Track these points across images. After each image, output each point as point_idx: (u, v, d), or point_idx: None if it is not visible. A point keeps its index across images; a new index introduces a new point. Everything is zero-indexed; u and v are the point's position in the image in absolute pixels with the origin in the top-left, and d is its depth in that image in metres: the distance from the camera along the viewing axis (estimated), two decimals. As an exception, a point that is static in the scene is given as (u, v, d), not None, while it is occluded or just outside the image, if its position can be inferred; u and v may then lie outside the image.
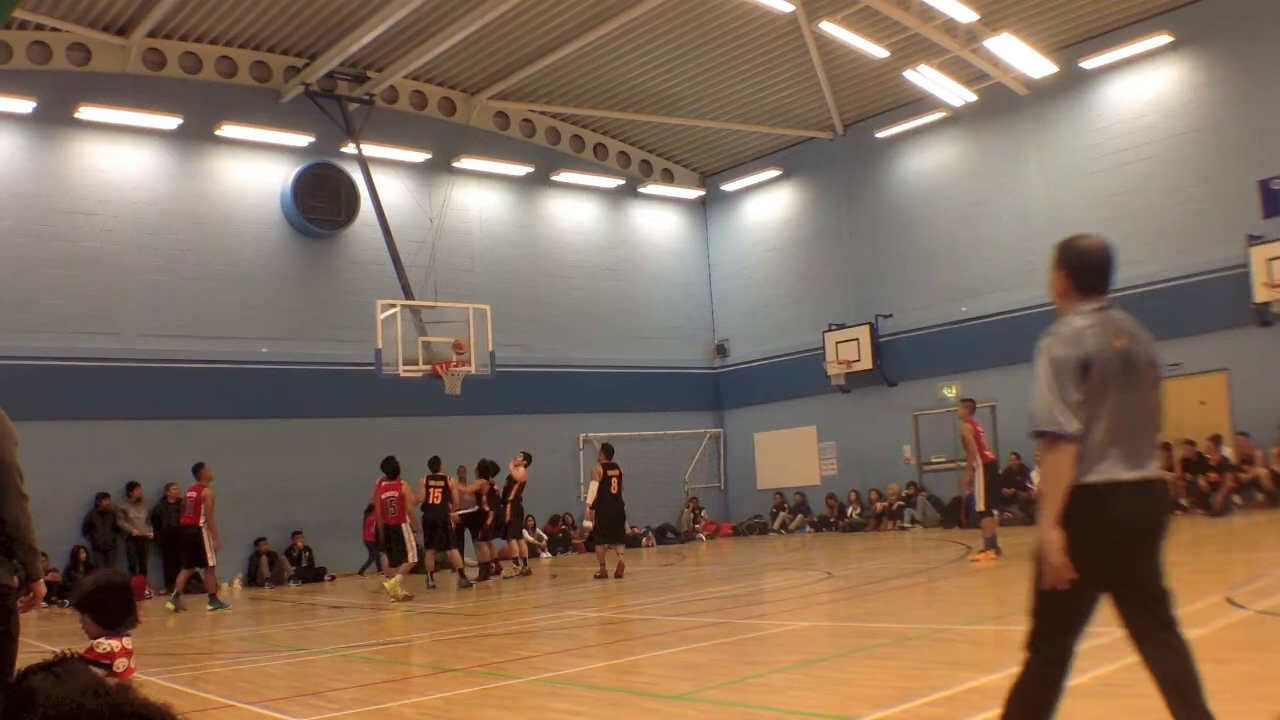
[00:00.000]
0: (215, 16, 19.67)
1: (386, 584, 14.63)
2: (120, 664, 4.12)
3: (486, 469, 17.21)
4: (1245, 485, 18.23)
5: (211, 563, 14.96)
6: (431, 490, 16.16)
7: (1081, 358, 3.68)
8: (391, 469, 15.69)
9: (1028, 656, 3.83)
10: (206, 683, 8.03)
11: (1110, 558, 3.67)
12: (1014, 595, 7.66)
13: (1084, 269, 3.94)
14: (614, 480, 16.27)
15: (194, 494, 15.12)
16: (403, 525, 15.26)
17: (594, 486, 16.30)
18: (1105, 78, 20.91)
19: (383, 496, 15.41)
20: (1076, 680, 5.55)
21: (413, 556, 15.32)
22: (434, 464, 16.56)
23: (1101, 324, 3.80)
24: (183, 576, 15.32)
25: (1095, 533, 3.65)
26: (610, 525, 16.30)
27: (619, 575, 15.76)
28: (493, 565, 17.03)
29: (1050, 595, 3.71)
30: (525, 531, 18.90)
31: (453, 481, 16.95)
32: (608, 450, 16.94)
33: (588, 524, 17.60)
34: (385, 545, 15.88)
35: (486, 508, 17.07)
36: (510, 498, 17.22)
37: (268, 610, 15.64)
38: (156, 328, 19.64)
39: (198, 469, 15.29)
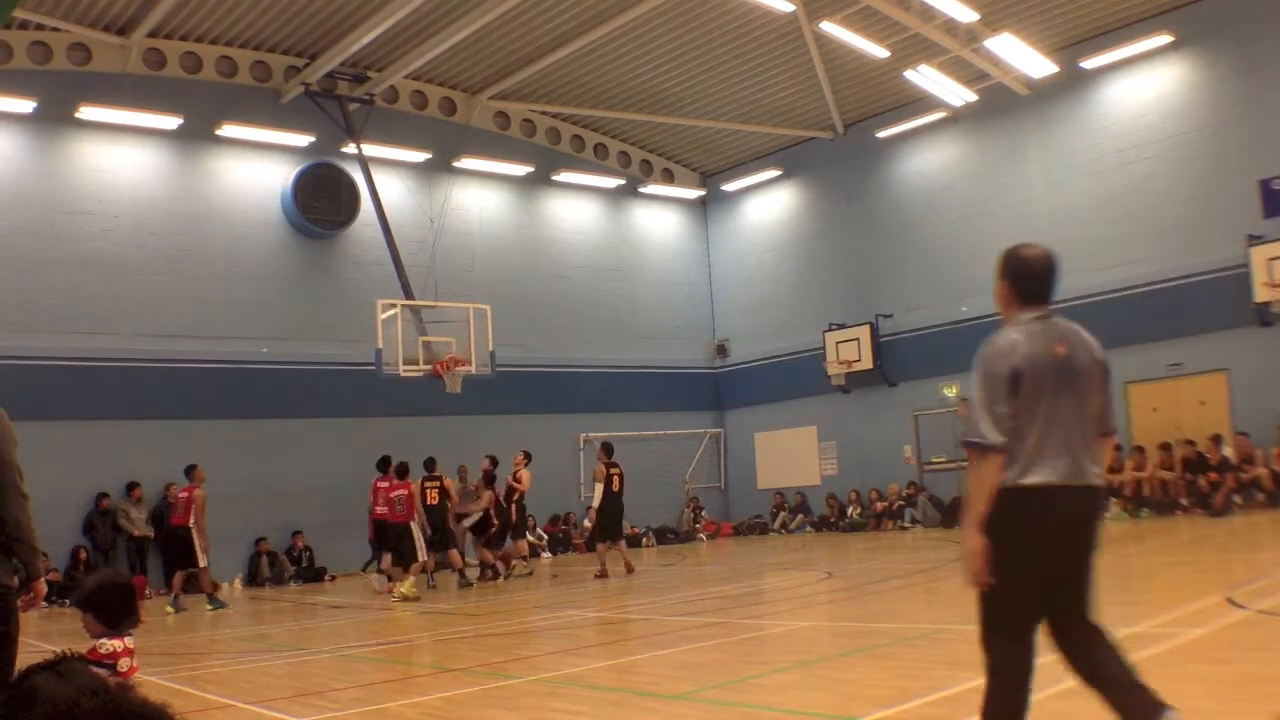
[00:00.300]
0: (215, 16, 19.67)
1: (402, 588, 14.56)
2: (123, 664, 4.13)
3: (491, 478, 17.15)
4: (1246, 485, 18.22)
5: (203, 563, 14.92)
6: (428, 491, 16.15)
7: (1012, 369, 3.78)
8: (401, 469, 15.75)
9: (989, 663, 3.88)
10: (206, 683, 8.03)
11: (1042, 558, 3.78)
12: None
13: (1025, 278, 4.02)
14: (615, 479, 16.29)
15: (186, 495, 15.13)
16: (411, 524, 15.25)
17: (599, 489, 16.27)
18: (1105, 78, 20.91)
19: (391, 495, 15.42)
20: (1077, 680, 5.56)
21: (422, 555, 15.31)
22: (430, 464, 16.54)
23: (1041, 333, 3.88)
24: (178, 578, 15.30)
25: (1029, 534, 3.75)
26: (611, 523, 16.31)
27: (630, 571, 15.81)
28: (495, 565, 16.98)
29: (995, 599, 3.81)
30: (526, 531, 18.89)
31: (449, 482, 16.93)
32: (608, 449, 16.93)
33: (587, 524, 17.57)
34: (391, 544, 15.79)
35: (495, 520, 17.02)
36: (514, 499, 17.20)
37: (268, 610, 15.64)
38: (156, 328, 19.64)
39: (190, 470, 15.29)
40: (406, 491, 15.36)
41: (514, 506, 17.19)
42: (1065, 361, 3.84)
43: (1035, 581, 3.80)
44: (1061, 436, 3.79)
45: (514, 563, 17.29)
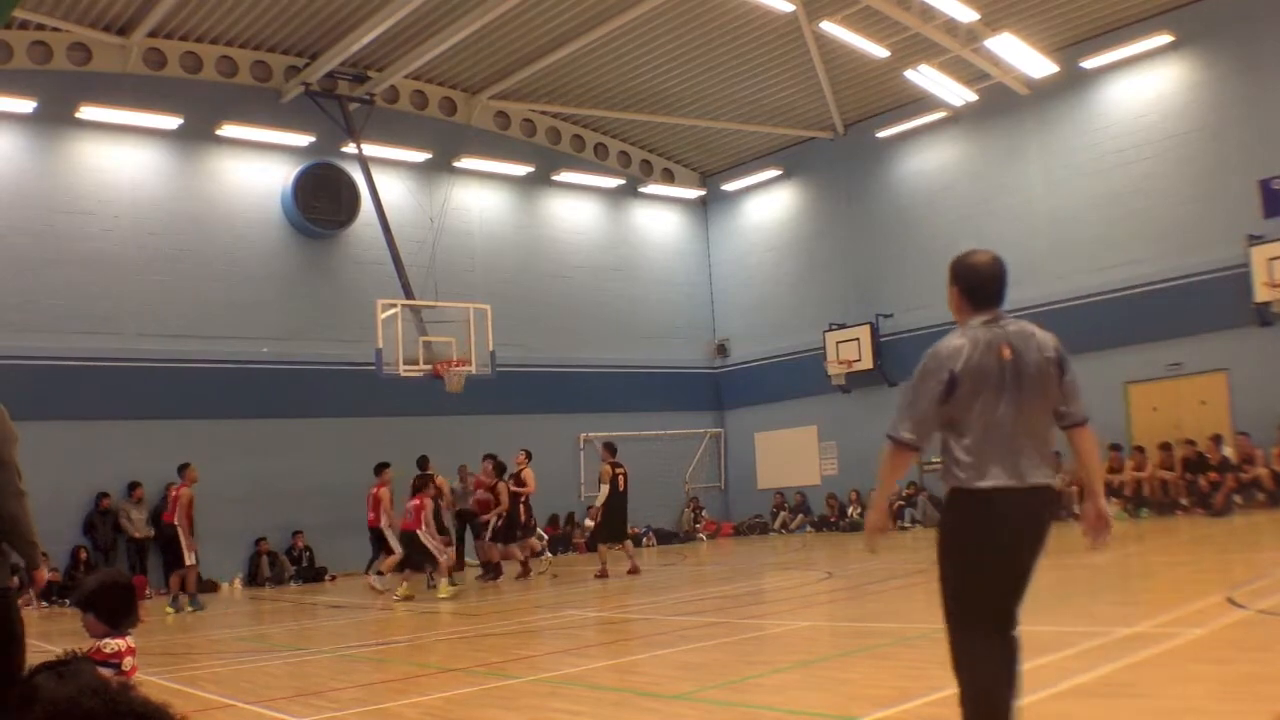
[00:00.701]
0: (215, 16, 19.67)
1: (439, 592, 14.52)
2: (126, 663, 4.14)
3: (501, 468, 17.06)
4: (1246, 485, 18.22)
5: (189, 561, 14.85)
6: None
7: (951, 373, 3.89)
8: (418, 483, 15.60)
9: (956, 663, 3.94)
10: (206, 683, 8.03)
11: (988, 557, 3.90)
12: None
13: (973, 284, 4.09)
14: (621, 478, 16.24)
15: (175, 493, 15.13)
16: (418, 531, 15.19)
17: (605, 490, 16.21)
18: (1106, 77, 20.90)
19: (408, 505, 15.35)
20: (1077, 680, 5.57)
21: (440, 557, 15.25)
22: (422, 463, 16.49)
23: (987, 338, 3.95)
24: (175, 578, 15.23)
25: (976, 534, 3.90)
26: (616, 523, 16.27)
27: (633, 572, 15.78)
28: (498, 565, 16.90)
29: (953, 599, 3.95)
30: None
31: (441, 480, 16.88)
32: (611, 448, 16.88)
33: (589, 522, 17.51)
34: (406, 552, 15.69)
35: (504, 510, 16.97)
36: (521, 501, 17.13)
37: (268, 610, 15.64)
38: (156, 328, 19.64)
39: (182, 469, 15.27)
40: (418, 502, 15.26)
41: (521, 507, 17.15)
42: (1011, 365, 3.91)
43: (986, 579, 3.91)
44: (1002, 440, 3.88)
45: (531, 563, 17.21)
